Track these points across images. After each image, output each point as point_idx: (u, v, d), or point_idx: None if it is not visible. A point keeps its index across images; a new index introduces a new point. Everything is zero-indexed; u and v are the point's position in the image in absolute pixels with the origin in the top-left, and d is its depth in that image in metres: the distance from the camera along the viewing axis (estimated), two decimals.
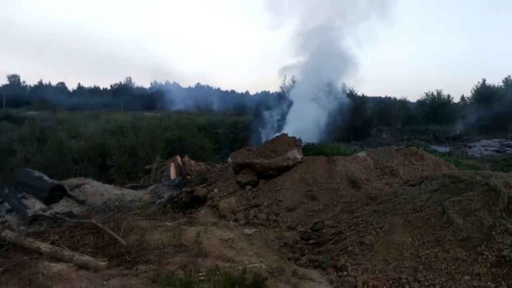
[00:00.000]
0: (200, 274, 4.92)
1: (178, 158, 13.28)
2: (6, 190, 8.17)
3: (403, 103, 38.07)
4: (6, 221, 6.58)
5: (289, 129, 12.15)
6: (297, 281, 5.00)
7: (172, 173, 12.23)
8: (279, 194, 8.09)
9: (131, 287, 4.58)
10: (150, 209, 8.56)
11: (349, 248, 5.73)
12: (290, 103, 16.79)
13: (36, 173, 8.68)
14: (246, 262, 5.47)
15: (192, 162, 13.38)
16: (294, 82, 20.68)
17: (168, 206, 8.87)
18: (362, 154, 10.62)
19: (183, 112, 32.87)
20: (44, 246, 5.52)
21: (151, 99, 49.72)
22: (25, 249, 5.58)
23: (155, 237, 6.33)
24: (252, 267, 5.14)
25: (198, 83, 71.16)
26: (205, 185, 9.77)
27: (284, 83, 23.26)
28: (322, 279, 5.26)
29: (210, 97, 52.65)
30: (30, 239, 5.72)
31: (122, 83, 59.26)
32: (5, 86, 48.42)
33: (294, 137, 9.54)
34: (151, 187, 10.73)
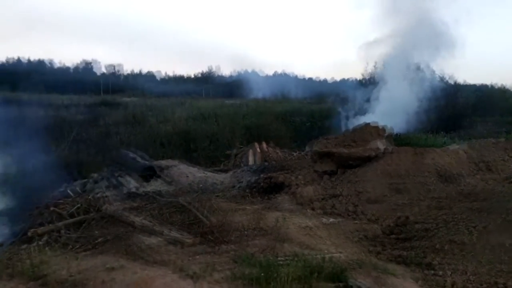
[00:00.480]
0: (279, 258, 5.00)
1: (257, 145, 13.52)
2: (106, 169, 9.10)
3: (502, 92, 33.99)
4: (106, 196, 7.34)
5: (372, 118, 11.50)
6: (379, 275, 4.82)
7: (251, 159, 12.51)
8: (360, 185, 7.83)
9: (214, 265, 4.81)
10: (231, 192, 8.87)
11: (437, 246, 5.37)
12: (373, 90, 15.79)
13: (131, 154, 9.52)
14: (325, 251, 5.42)
15: (270, 149, 13.54)
16: (376, 68, 19.44)
17: (247, 190, 9.10)
18: (453, 147, 9.77)
19: (261, 100, 33.23)
20: (138, 221, 6.07)
21: (231, 87, 51.19)
22: (122, 222, 6.19)
23: (235, 219, 6.56)
24: (331, 257, 5.07)
25: (275, 71, 71.42)
26: (283, 172, 9.83)
27: (366, 70, 22.13)
28: (406, 275, 5.01)
29: (288, 85, 52.51)
30: (126, 213, 6.33)
31: (205, 71, 61.93)
32: (103, 74, 53.68)
33: (377, 127, 9.11)
34: (231, 172, 11.10)
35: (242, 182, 9.93)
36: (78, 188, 8.50)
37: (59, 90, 28.03)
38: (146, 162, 9.39)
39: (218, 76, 61.01)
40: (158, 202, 7.01)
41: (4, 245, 6.03)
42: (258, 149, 13.21)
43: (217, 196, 7.91)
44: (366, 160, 8.54)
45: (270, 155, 12.56)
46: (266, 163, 10.98)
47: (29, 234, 5.51)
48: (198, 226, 6.21)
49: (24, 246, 5.59)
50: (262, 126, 17.74)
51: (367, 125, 9.23)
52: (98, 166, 11.75)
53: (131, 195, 7.88)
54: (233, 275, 4.47)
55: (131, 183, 8.88)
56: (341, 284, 4.39)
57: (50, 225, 5.82)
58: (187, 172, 10.12)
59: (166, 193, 8.07)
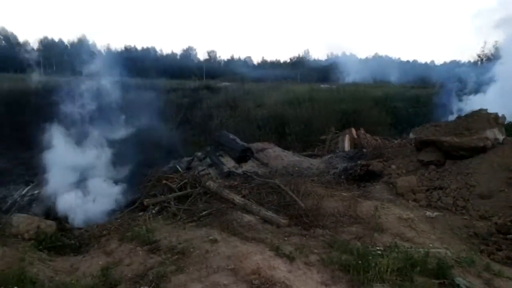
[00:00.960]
0: (377, 248, 4.84)
1: (353, 130, 13.10)
2: (208, 148, 9.73)
3: None
4: (209, 173, 7.88)
5: (490, 104, 10.05)
6: (491, 277, 4.37)
7: (346, 145, 12.20)
8: (471, 178, 7.08)
9: (309, 247, 4.87)
10: (325, 177, 8.79)
11: None
12: (491, 70, 13.80)
13: (231, 136, 10.00)
14: (430, 245, 5.08)
15: (367, 135, 13.01)
16: (496, 48, 16.97)
17: (342, 177, 8.92)
18: None
19: (359, 84, 31.88)
20: (237, 198, 6.39)
21: (326, 71, 50.22)
22: (223, 198, 6.59)
23: (330, 204, 6.51)
24: (436, 252, 4.74)
25: (375, 54, 67.62)
26: (381, 160, 9.39)
27: (483, 49, 19.56)
28: None
29: (388, 68, 49.47)
30: (227, 190, 6.71)
31: (300, 56, 61.77)
32: (205, 60, 57.24)
33: (496, 114, 8.06)
34: (326, 157, 10.98)
35: (337, 168, 9.76)
36: (184, 165, 9.26)
37: (166, 75, 30.66)
38: (245, 144, 9.79)
39: (314, 60, 60.34)
40: (255, 182, 7.27)
41: (117, 211, 6.85)
42: (355, 135, 12.80)
43: (312, 180, 7.90)
44: (480, 151, 7.66)
45: (368, 142, 12.08)
46: (364, 150, 10.60)
47: (145, 203, 6.20)
48: (293, 208, 6.32)
49: (140, 214, 6.32)
50: (359, 111, 17.08)
51: (483, 111, 8.23)
52: (201, 145, 12.68)
53: (230, 174, 8.31)
54: (329, 259, 4.47)
55: (230, 163, 9.37)
56: (446, 282, 4.10)
57: (162, 196, 6.47)
58: (282, 155, 10.31)
59: (262, 174, 8.33)
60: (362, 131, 13.07)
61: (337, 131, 14.18)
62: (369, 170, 8.92)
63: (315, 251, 4.82)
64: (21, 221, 5.12)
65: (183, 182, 6.89)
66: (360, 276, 4.08)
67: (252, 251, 4.54)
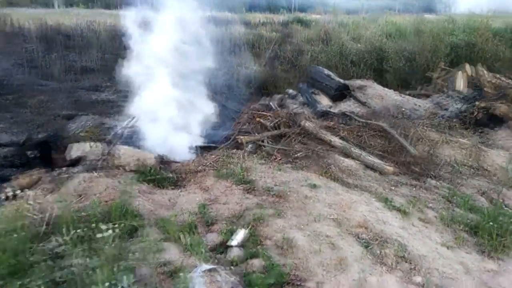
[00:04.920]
0: (508, 207, 4.03)
1: (468, 66, 11.24)
2: (301, 85, 9.11)
3: None
4: (304, 112, 7.35)
5: None
6: None
7: (459, 84, 10.55)
8: None
9: (423, 201, 4.24)
10: (434, 121, 7.72)
11: None
12: None
13: (326, 71, 9.20)
14: None
15: (486, 73, 11.08)
16: None
17: (455, 120, 7.78)
18: None
19: (474, 14, 27.33)
20: (336, 141, 5.85)
21: (431, 0, 44.07)
22: (319, 140, 6.09)
23: (446, 152, 5.65)
24: None
25: None
26: (505, 102, 7.97)
27: None
28: None
29: None
30: (324, 131, 6.17)
31: None
32: None
33: None
34: (434, 97, 9.65)
35: (448, 109, 8.54)
36: (276, 102, 8.85)
37: (256, 9, 29.58)
38: (341, 80, 8.94)
39: None
40: (355, 123, 6.60)
41: (212, 147, 6.79)
42: (470, 72, 11.01)
43: (422, 123, 6.94)
44: None
45: (487, 80, 10.29)
46: (485, 89, 9.05)
47: (239, 140, 5.98)
48: (400, 154, 5.61)
49: (234, 151, 6.14)
50: (473, 45, 14.65)
51: None
52: (290, 82, 12.08)
53: (325, 113, 7.70)
54: (450, 217, 3.82)
55: (324, 101, 8.70)
56: None
57: (257, 134, 6.19)
58: (382, 94, 9.27)
59: (362, 115, 7.56)
60: (480, 67, 11.16)
61: (446, 68, 12.39)
62: (490, 114, 7.66)
63: (430, 205, 4.18)
64: (123, 153, 5.28)
65: (277, 121, 6.51)
66: (493, 241, 3.40)
67: (357, 201, 4.07)
